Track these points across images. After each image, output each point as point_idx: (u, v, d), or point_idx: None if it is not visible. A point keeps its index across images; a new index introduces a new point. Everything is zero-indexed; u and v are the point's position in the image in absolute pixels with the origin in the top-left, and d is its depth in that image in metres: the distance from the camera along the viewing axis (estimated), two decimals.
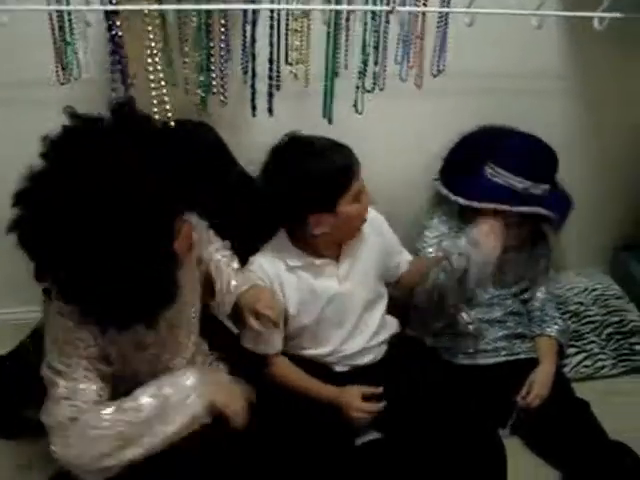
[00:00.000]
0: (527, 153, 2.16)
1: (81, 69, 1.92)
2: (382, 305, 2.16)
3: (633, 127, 2.54)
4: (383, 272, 2.15)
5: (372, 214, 2.06)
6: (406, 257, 2.21)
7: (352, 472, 1.88)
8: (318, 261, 2.00)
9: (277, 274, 1.99)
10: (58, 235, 1.29)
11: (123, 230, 1.30)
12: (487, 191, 2.12)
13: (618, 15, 1.92)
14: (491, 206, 2.08)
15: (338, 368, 2.10)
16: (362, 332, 2.10)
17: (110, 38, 1.75)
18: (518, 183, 2.09)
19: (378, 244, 2.11)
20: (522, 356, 2.24)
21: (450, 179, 2.27)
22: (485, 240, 1.98)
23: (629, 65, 2.38)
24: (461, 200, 2.16)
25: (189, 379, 1.56)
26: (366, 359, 2.11)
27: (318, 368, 2.05)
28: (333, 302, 2.03)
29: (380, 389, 1.95)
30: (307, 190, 1.85)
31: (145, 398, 1.51)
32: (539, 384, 2.13)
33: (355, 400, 1.93)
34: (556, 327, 2.30)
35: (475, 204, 2.12)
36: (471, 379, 2.16)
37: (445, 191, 2.23)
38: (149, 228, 1.34)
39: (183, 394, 1.53)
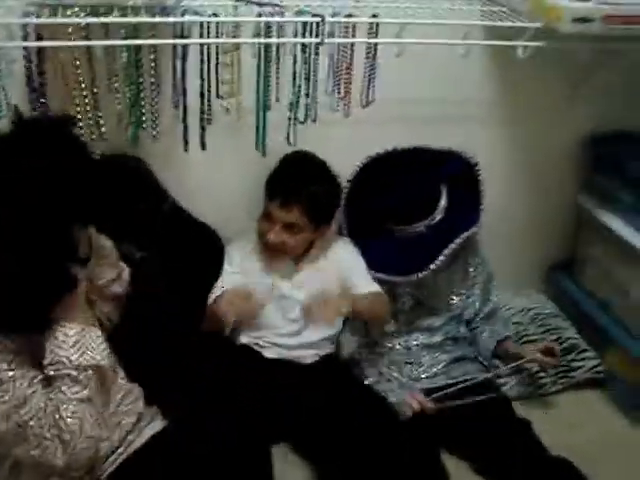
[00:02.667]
0: (397, 198, 2.20)
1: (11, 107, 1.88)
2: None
3: (560, 148, 2.60)
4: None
5: (347, 243, 2.26)
6: (364, 283, 2.20)
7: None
8: (279, 261, 2.15)
9: (242, 250, 2.19)
10: None
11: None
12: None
13: (540, 44, 1.97)
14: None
15: (268, 354, 2.14)
16: (300, 334, 2.16)
17: (27, 75, 1.78)
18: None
19: (341, 269, 2.19)
20: (460, 379, 2.25)
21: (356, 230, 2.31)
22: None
23: (551, 89, 2.44)
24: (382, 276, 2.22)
25: None
26: (296, 354, 2.16)
27: (249, 351, 2.14)
28: (281, 302, 2.14)
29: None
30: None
31: None
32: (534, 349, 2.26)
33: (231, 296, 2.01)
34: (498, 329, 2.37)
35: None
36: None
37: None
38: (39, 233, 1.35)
39: None
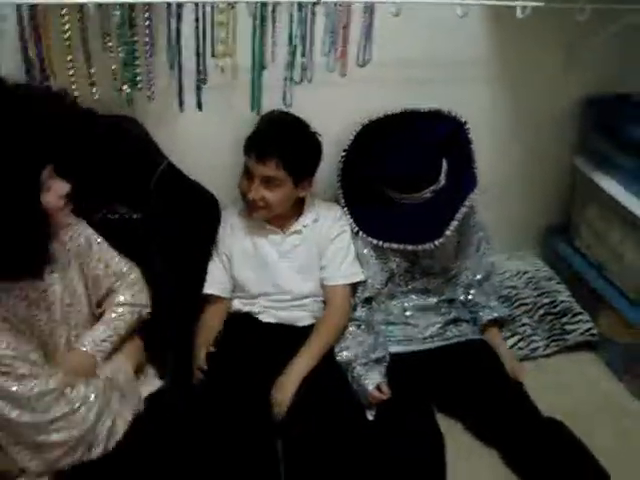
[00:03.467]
0: (400, 165, 2.18)
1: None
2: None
3: (558, 111, 2.60)
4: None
5: (338, 213, 2.26)
6: (332, 275, 2.22)
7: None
8: (266, 224, 2.19)
9: (228, 220, 2.24)
10: None
11: None
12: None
13: (539, 4, 1.96)
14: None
15: (263, 318, 2.17)
16: (290, 294, 2.19)
17: (20, 34, 1.75)
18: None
19: (322, 244, 2.21)
20: (454, 340, 2.27)
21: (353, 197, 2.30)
22: None
23: (549, 50, 2.43)
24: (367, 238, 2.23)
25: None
26: (292, 315, 2.18)
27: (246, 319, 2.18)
28: (268, 270, 2.17)
29: None
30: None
31: None
32: (509, 361, 2.25)
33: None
34: (489, 310, 2.36)
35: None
36: (403, 366, 2.16)
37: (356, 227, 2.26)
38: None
39: None
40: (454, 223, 2.13)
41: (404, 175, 2.17)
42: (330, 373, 2.05)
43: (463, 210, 2.14)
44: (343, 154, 2.25)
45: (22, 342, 1.49)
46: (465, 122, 2.23)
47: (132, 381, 1.73)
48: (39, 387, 1.48)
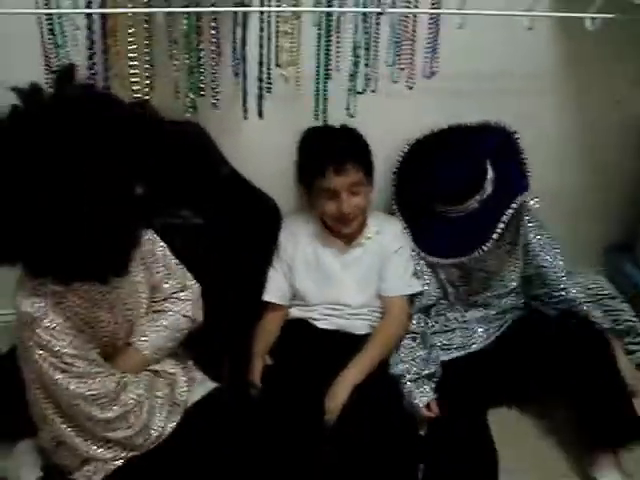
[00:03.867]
0: (442, 180, 2.15)
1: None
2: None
3: (624, 127, 2.53)
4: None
5: (398, 227, 2.26)
6: (391, 286, 2.22)
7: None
8: (329, 235, 2.21)
9: (291, 228, 2.25)
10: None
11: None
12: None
13: (610, 15, 1.92)
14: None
15: (322, 325, 2.18)
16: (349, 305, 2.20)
17: (89, 42, 1.82)
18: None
19: (383, 256, 2.22)
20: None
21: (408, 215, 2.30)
22: None
23: (619, 65, 2.37)
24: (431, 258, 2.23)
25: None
26: (348, 324, 2.18)
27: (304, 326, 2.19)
28: (329, 279, 2.20)
29: None
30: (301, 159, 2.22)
31: None
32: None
33: None
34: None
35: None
36: (460, 371, 2.15)
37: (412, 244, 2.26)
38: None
39: None
40: (500, 226, 2.10)
41: (444, 187, 2.15)
42: (383, 383, 2.04)
43: (509, 212, 2.10)
44: (395, 170, 2.27)
45: (84, 341, 1.54)
46: (514, 132, 2.21)
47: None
48: (97, 387, 1.52)
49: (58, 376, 1.49)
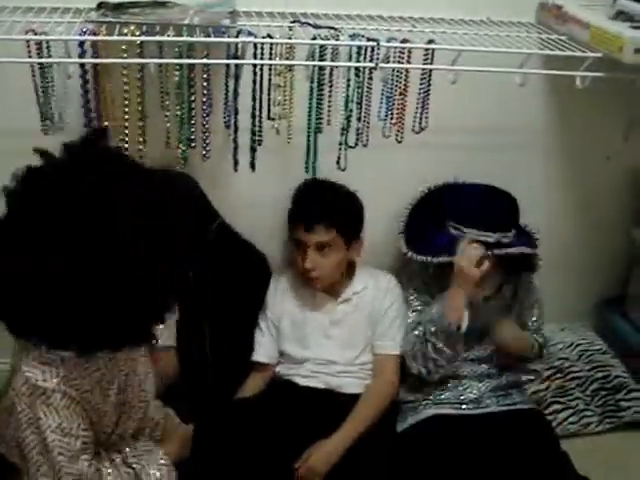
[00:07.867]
0: (477, 204, 2.14)
1: (63, 120, 1.91)
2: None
3: (614, 183, 2.56)
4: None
5: (391, 283, 2.25)
6: (385, 344, 2.20)
7: None
8: (316, 291, 2.17)
9: (278, 285, 2.24)
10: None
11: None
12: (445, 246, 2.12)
13: (600, 74, 1.93)
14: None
15: (309, 383, 2.14)
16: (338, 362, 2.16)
17: (83, 91, 1.81)
18: (474, 235, 2.08)
19: (374, 312, 2.20)
20: (504, 408, 2.18)
21: (414, 235, 2.26)
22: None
23: (609, 121, 2.39)
24: (418, 257, 2.17)
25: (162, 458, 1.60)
26: (336, 381, 2.14)
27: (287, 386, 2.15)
28: (316, 337, 2.17)
29: None
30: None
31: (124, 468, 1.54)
32: None
33: None
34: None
35: (429, 259, 2.14)
36: (455, 429, 2.09)
37: (405, 249, 2.21)
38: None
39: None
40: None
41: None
42: (371, 448, 2.00)
43: (513, 251, 2.08)
44: (406, 212, 2.27)
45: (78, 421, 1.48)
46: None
47: None
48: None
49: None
